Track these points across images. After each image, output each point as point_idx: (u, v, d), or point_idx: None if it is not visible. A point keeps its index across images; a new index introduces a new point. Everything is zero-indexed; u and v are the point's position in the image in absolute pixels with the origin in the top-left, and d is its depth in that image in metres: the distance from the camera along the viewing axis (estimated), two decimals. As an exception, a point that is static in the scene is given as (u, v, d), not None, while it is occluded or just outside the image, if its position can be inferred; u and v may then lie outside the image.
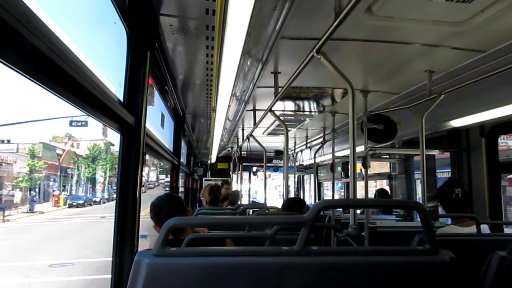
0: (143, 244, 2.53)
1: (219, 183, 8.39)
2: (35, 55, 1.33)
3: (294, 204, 3.98)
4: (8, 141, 38.06)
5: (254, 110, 5.42)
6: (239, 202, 7.04)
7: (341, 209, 5.98)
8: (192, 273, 1.45)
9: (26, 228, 25.05)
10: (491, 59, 3.07)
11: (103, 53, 2.60)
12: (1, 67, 1.24)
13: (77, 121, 28.00)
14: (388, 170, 6.97)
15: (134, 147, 2.57)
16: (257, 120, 5.28)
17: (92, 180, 51.72)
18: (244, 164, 10.34)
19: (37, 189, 40.81)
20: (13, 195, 36.93)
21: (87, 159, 51.09)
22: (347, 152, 6.46)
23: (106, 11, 2.35)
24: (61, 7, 1.92)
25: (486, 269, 2.03)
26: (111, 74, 2.36)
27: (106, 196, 45.38)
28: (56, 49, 1.43)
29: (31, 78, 1.37)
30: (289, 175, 4.53)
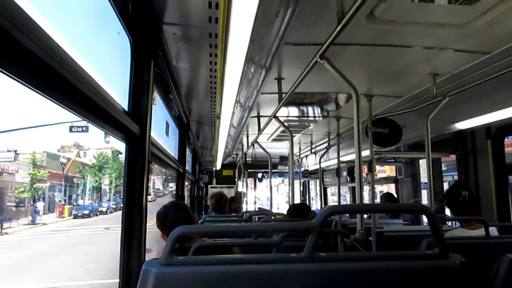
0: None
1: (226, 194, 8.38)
2: (38, 65, 1.33)
3: (299, 209, 3.97)
4: (15, 151, 37.98)
5: (258, 116, 5.43)
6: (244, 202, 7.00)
7: (347, 214, 5.96)
8: (200, 282, 1.44)
9: (21, 243, 23.35)
10: (495, 61, 3.06)
11: (107, 62, 2.61)
12: (4, 78, 1.25)
13: (77, 127, 27.27)
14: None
15: (140, 156, 2.57)
16: (261, 127, 5.28)
17: (99, 190, 51.66)
18: (249, 170, 10.34)
19: (41, 200, 40.59)
20: (14, 206, 36.84)
21: (94, 168, 51.09)
22: (352, 156, 6.45)
23: (109, 20, 2.36)
24: (64, 17, 1.93)
25: (496, 272, 2.01)
26: (115, 84, 2.37)
27: (113, 206, 45.13)
28: (59, 59, 1.43)
29: (35, 89, 1.37)
30: (294, 180, 4.51)
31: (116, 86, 2.38)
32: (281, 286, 1.44)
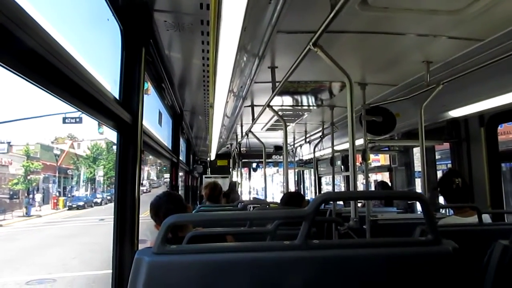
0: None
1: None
2: (28, 54, 1.32)
3: (292, 198, 3.96)
4: (9, 143, 37.78)
5: (252, 106, 5.41)
6: (239, 192, 7.03)
7: (342, 203, 5.97)
8: (192, 270, 1.44)
9: (15, 235, 23.32)
10: (489, 48, 3.05)
11: (97, 51, 2.58)
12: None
13: (71, 118, 26.93)
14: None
15: (131, 144, 2.56)
16: (255, 116, 5.27)
17: (93, 181, 51.55)
18: (243, 160, 10.34)
19: (35, 191, 40.43)
20: (8, 198, 36.83)
21: (88, 159, 50.98)
22: (346, 145, 6.45)
23: (99, 8, 2.33)
24: (54, 6, 1.90)
25: (488, 258, 2.01)
26: (106, 72, 2.34)
27: (108, 197, 44.99)
28: (49, 48, 1.41)
29: (25, 77, 1.36)
30: (289, 170, 4.51)
31: (107, 75, 2.36)
32: (274, 273, 1.44)
